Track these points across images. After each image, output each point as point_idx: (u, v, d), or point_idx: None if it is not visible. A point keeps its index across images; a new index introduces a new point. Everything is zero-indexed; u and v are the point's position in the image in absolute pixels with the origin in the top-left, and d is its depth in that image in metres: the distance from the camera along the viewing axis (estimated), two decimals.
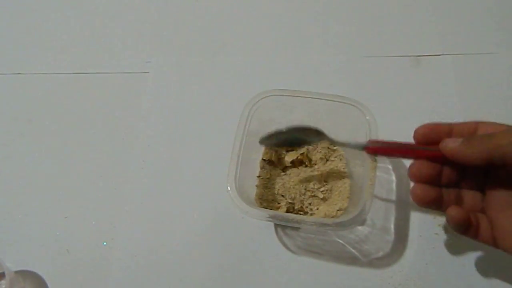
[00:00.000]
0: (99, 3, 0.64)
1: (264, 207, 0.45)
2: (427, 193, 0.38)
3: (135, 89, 0.56)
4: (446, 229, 0.46)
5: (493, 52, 0.55)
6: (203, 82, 0.56)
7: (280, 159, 0.49)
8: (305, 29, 0.59)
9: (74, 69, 0.59)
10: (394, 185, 0.48)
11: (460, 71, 0.54)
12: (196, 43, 0.59)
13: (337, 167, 0.48)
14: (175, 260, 0.47)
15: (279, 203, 0.46)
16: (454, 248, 0.45)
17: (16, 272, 0.46)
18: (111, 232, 0.48)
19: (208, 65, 0.57)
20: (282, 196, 0.47)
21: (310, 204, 0.46)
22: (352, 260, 0.45)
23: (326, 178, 0.47)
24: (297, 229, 0.47)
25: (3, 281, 0.43)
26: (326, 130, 0.43)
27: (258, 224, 0.47)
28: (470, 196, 0.39)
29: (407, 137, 0.50)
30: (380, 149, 0.40)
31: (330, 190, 0.47)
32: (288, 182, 0.47)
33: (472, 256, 0.44)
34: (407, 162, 0.48)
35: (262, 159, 0.48)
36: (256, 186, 0.47)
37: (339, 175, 0.47)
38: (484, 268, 0.44)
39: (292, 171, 0.48)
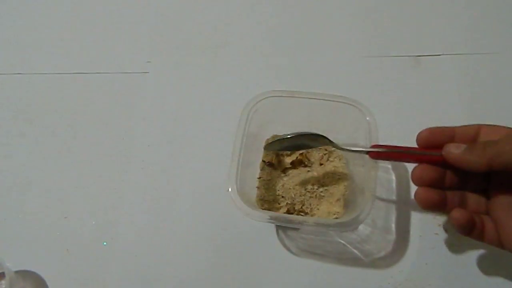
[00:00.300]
0: (99, 3, 0.64)
1: (264, 209, 0.45)
2: (431, 196, 0.38)
3: (135, 89, 0.56)
4: (446, 229, 0.46)
5: (493, 52, 0.55)
6: (203, 82, 0.56)
7: (280, 161, 0.49)
8: (304, 30, 0.59)
9: (74, 69, 0.59)
10: (394, 185, 0.48)
11: (460, 71, 0.54)
12: (196, 43, 0.59)
13: (337, 167, 0.48)
14: (175, 260, 0.47)
15: (279, 204, 0.46)
16: (454, 248, 0.45)
17: (16, 272, 0.46)
18: (111, 232, 0.48)
19: (208, 66, 0.57)
20: (283, 197, 0.47)
21: (310, 204, 0.46)
22: (353, 261, 0.45)
23: (326, 178, 0.47)
24: (297, 230, 0.47)
25: (3, 281, 0.43)
26: (326, 130, 0.43)
27: (259, 225, 0.47)
28: (474, 198, 0.39)
29: (407, 137, 0.50)
30: (383, 154, 0.40)
31: (330, 190, 0.47)
32: (288, 183, 0.47)
33: (472, 256, 0.44)
34: (408, 163, 0.49)
35: (262, 161, 0.48)
36: (256, 187, 0.47)
37: (339, 175, 0.47)
38: (484, 268, 0.44)
39: (292, 172, 0.48)
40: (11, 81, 0.59)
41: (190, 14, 0.62)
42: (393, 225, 0.46)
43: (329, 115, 0.46)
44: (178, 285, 0.45)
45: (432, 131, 0.39)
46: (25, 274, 0.46)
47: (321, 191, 0.46)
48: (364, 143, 0.43)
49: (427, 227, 0.46)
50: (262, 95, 0.45)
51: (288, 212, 0.46)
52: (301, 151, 0.48)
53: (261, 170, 0.48)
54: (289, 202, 0.46)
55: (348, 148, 0.41)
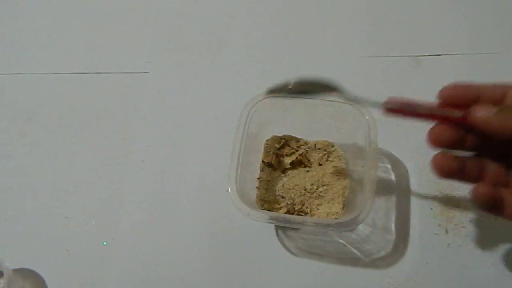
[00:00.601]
0: (99, 3, 0.64)
1: (264, 209, 0.45)
2: (449, 164, 0.34)
3: (135, 89, 0.56)
4: (446, 229, 0.46)
5: (493, 52, 0.55)
6: (203, 82, 0.56)
7: (279, 161, 0.49)
8: (304, 30, 0.59)
9: (74, 69, 0.59)
10: (394, 185, 0.48)
11: (460, 71, 0.54)
12: (196, 43, 0.59)
13: (336, 167, 0.48)
14: (175, 260, 0.47)
15: (279, 204, 0.46)
16: (454, 248, 0.45)
17: (15, 270, 0.46)
18: (111, 232, 0.48)
19: (208, 66, 0.57)
20: (283, 197, 0.47)
21: (310, 204, 0.46)
22: (353, 261, 0.45)
23: (325, 178, 0.47)
24: (297, 230, 0.47)
25: (1, 280, 0.43)
26: (326, 130, 0.43)
27: (259, 225, 0.47)
28: (493, 168, 0.35)
29: (407, 137, 0.50)
30: (400, 111, 0.35)
31: (330, 190, 0.47)
32: (288, 183, 0.47)
33: (472, 256, 0.44)
34: (407, 162, 0.49)
35: (262, 161, 0.48)
36: (256, 188, 0.47)
37: (339, 175, 0.47)
38: (484, 268, 0.44)
39: (292, 172, 0.48)
40: (11, 81, 0.59)
41: (190, 14, 0.62)
42: (393, 225, 0.46)
43: (328, 115, 0.46)
44: (178, 285, 0.45)
45: (457, 87, 0.35)
46: (24, 273, 0.46)
47: (321, 191, 0.46)
48: (363, 143, 0.43)
49: (427, 227, 0.46)
50: (262, 95, 0.45)
51: (288, 212, 0.46)
52: (300, 152, 0.48)
53: (260, 170, 0.48)
54: (289, 202, 0.46)
55: (359, 99, 0.38)
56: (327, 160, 0.49)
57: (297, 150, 0.49)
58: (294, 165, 0.49)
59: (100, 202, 0.50)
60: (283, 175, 0.48)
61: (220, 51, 0.58)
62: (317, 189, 0.47)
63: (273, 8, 0.61)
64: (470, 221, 0.46)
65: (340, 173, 0.47)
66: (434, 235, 0.46)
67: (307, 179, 0.47)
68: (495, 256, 0.44)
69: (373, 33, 0.58)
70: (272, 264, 0.46)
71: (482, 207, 0.34)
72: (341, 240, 0.46)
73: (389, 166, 0.49)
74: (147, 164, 0.52)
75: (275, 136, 0.49)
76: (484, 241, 0.45)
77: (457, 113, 0.34)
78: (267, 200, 0.46)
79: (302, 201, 0.46)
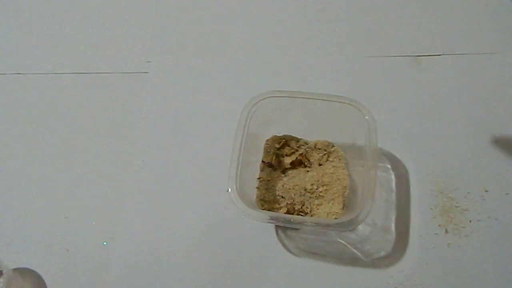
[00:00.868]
0: (99, 3, 0.64)
1: (264, 209, 0.45)
2: None
3: (135, 89, 0.56)
4: (446, 229, 0.46)
5: (493, 52, 0.55)
6: (203, 83, 0.56)
7: (279, 161, 0.49)
8: (304, 30, 0.59)
9: (74, 69, 0.59)
10: (394, 185, 0.48)
11: (460, 71, 0.54)
12: (196, 43, 0.59)
13: (336, 167, 0.48)
14: (175, 260, 0.47)
15: (279, 204, 0.46)
16: (454, 248, 0.45)
17: (15, 270, 0.46)
18: (111, 232, 0.48)
19: (208, 66, 0.57)
20: (283, 197, 0.47)
21: (310, 204, 0.46)
22: (353, 261, 0.45)
23: (325, 178, 0.47)
24: (297, 230, 0.47)
25: (1, 279, 0.43)
26: (326, 130, 0.43)
27: (259, 225, 0.47)
28: None
29: (407, 137, 0.50)
30: None
31: (330, 191, 0.47)
32: (288, 183, 0.47)
33: (472, 256, 0.44)
34: (407, 162, 0.49)
35: (262, 161, 0.48)
36: (256, 188, 0.47)
37: (338, 175, 0.47)
38: (484, 268, 0.44)
39: (292, 172, 0.48)
40: (11, 81, 0.59)
41: (190, 14, 0.62)
42: (393, 225, 0.46)
43: (328, 115, 0.46)
44: (178, 285, 0.45)
45: None
46: (24, 272, 0.46)
47: (321, 191, 0.46)
48: (363, 143, 0.43)
49: (427, 227, 0.46)
50: (262, 95, 0.45)
51: (288, 212, 0.46)
52: (300, 152, 0.49)
53: (261, 170, 0.48)
54: (289, 202, 0.46)
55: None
56: (327, 160, 0.49)
57: (297, 150, 0.49)
58: (294, 165, 0.49)
59: (100, 202, 0.50)
60: (283, 175, 0.48)
61: (220, 51, 0.58)
62: (317, 189, 0.47)
63: (273, 8, 0.61)
64: (470, 221, 0.46)
65: (340, 173, 0.47)
66: (434, 235, 0.46)
67: (307, 179, 0.47)
68: (495, 256, 0.44)
69: (373, 33, 0.58)
70: (272, 264, 0.46)
71: None
72: (341, 240, 0.46)
73: (389, 166, 0.49)
74: (147, 164, 0.52)
75: (275, 136, 0.49)
76: (484, 241, 0.45)
77: None
78: (267, 200, 0.46)
79: (302, 201, 0.46)
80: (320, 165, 0.48)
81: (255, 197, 0.46)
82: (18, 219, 0.50)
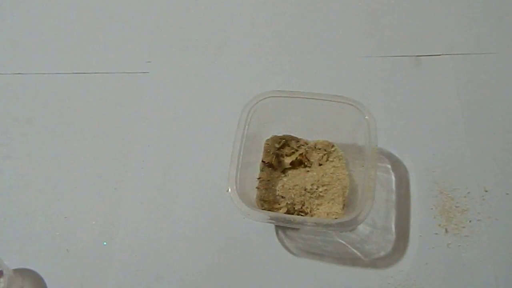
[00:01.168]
0: (99, 3, 0.64)
1: (264, 209, 0.45)
2: None
3: (135, 89, 0.57)
4: (446, 229, 0.46)
5: (493, 52, 0.55)
6: (203, 82, 0.56)
7: (279, 161, 0.49)
8: (304, 30, 0.59)
9: (74, 69, 0.59)
10: (394, 185, 0.48)
11: (460, 71, 0.54)
12: (196, 43, 0.59)
13: (336, 167, 0.48)
14: (175, 260, 0.47)
15: (279, 204, 0.46)
16: (454, 248, 0.45)
17: (15, 270, 0.46)
18: (111, 232, 0.48)
19: (208, 66, 0.57)
20: (283, 197, 0.47)
21: (310, 204, 0.46)
22: (353, 261, 0.45)
23: (325, 178, 0.47)
24: (297, 230, 0.47)
25: (1, 279, 0.43)
26: (325, 130, 0.43)
27: (259, 226, 0.47)
28: None
29: (407, 137, 0.50)
30: None
31: (330, 191, 0.47)
32: (288, 183, 0.47)
33: (472, 256, 0.44)
34: (407, 163, 0.49)
35: (262, 161, 0.48)
36: (256, 188, 0.47)
37: (338, 175, 0.47)
38: (484, 268, 0.44)
39: (292, 172, 0.48)
40: (11, 81, 0.59)
41: (190, 14, 0.62)
42: (393, 225, 0.46)
43: (328, 115, 0.46)
44: (178, 285, 0.45)
45: None
46: (24, 273, 0.46)
47: (321, 191, 0.46)
48: (363, 143, 0.43)
49: (427, 227, 0.46)
50: (262, 95, 0.45)
51: (288, 212, 0.46)
52: (300, 152, 0.49)
53: (260, 170, 0.48)
54: (289, 202, 0.46)
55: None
56: (327, 160, 0.49)
57: (297, 150, 0.49)
58: (294, 165, 0.49)
59: (100, 202, 0.50)
60: (283, 175, 0.48)
61: (220, 51, 0.58)
62: (317, 189, 0.47)
63: (273, 8, 0.61)
64: (470, 221, 0.46)
65: (340, 173, 0.47)
66: (434, 235, 0.46)
67: (307, 179, 0.47)
68: (495, 256, 0.44)
69: (373, 33, 0.58)
70: (272, 264, 0.46)
71: None
72: (341, 240, 0.46)
73: (389, 166, 0.49)
74: (147, 164, 0.52)
75: (275, 136, 0.49)
76: (484, 241, 0.45)
77: None
78: (267, 200, 0.46)
79: (302, 201, 0.46)
80: (320, 165, 0.48)
81: (255, 197, 0.46)
82: (18, 219, 0.50)
